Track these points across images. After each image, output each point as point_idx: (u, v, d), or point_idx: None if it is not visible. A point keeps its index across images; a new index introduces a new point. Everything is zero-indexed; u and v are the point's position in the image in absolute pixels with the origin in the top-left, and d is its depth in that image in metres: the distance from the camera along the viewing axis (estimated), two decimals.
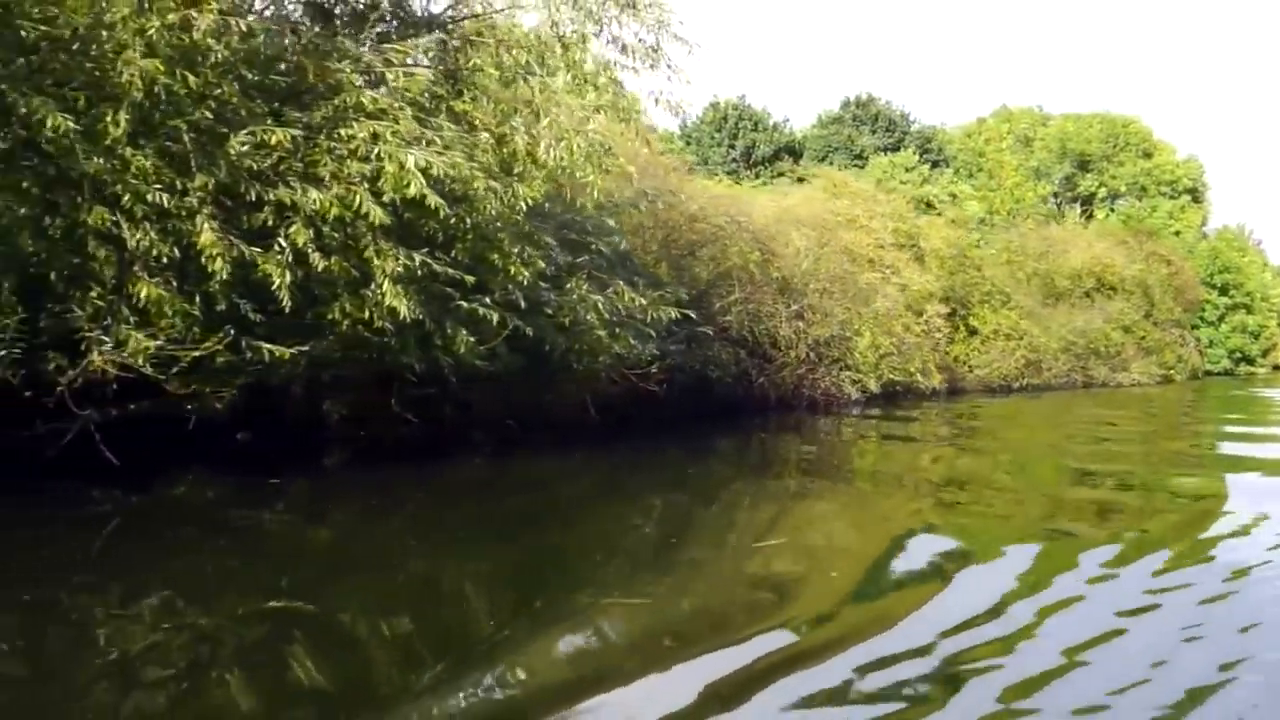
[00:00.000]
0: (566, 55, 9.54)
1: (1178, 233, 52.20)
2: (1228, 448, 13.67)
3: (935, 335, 24.24)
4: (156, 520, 7.30)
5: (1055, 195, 57.14)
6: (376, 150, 8.15)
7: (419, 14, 9.70)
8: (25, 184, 7.26)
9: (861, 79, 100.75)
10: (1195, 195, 56.53)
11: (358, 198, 7.95)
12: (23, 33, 7.16)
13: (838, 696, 3.45)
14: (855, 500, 8.97)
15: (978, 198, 51.35)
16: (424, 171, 8.11)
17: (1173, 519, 7.65)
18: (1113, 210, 57.01)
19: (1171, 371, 36.38)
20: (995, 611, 4.48)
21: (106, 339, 7.21)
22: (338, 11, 9.19)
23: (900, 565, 5.82)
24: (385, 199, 8.06)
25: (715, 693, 3.48)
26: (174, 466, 8.55)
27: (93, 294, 7.58)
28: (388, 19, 9.58)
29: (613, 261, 12.33)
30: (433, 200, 8.17)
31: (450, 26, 9.66)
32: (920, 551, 6.19)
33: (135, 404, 7.88)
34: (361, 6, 9.18)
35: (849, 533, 7.42)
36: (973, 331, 27.88)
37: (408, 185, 8.09)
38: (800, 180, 29.48)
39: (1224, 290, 48.89)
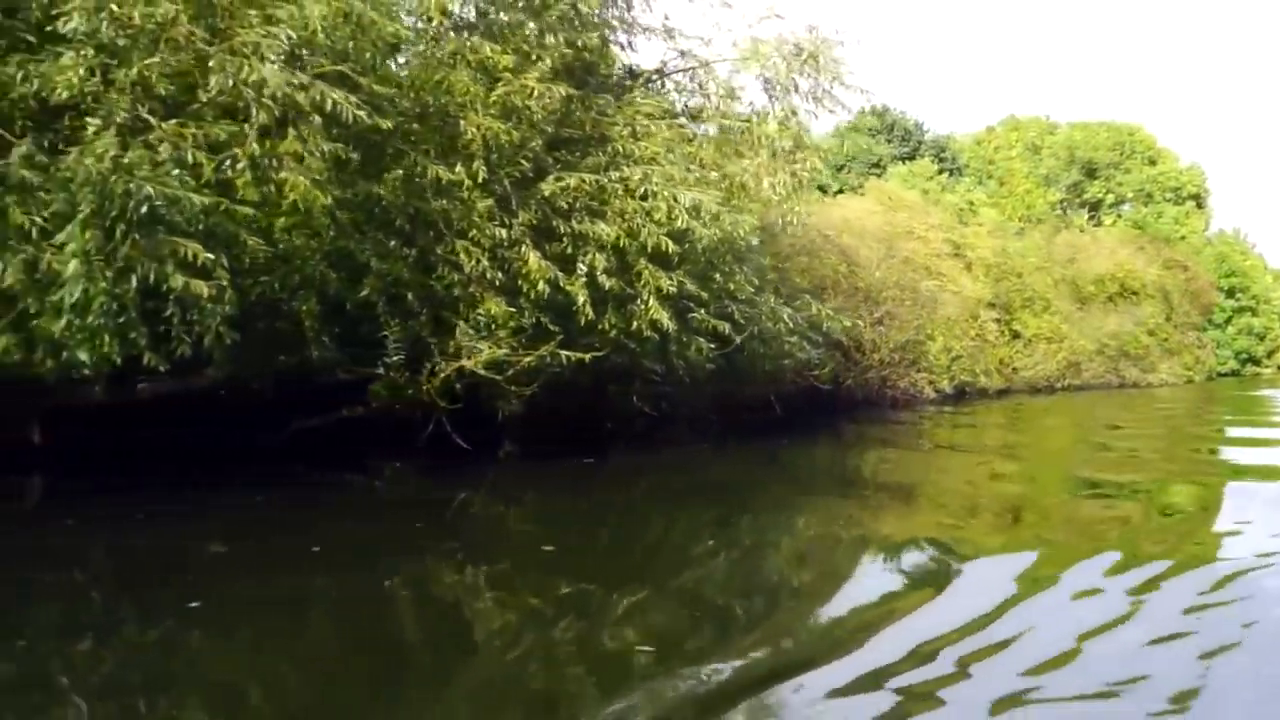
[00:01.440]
0: (780, 104, 11.56)
1: (1183, 238, 54.78)
2: None
3: (989, 339, 26.44)
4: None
5: (1063, 202, 59.68)
6: (644, 190, 10.13)
7: (649, 67, 11.69)
8: (398, 222, 9.19)
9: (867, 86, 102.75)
10: (1199, 201, 59.24)
11: (645, 230, 9.93)
12: (405, 103, 9.09)
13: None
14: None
15: (991, 204, 53.76)
16: (686, 207, 10.11)
17: None
18: (1119, 216, 59.61)
19: (1191, 372, 38.84)
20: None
21: (481, 347, 9.11)
22: (602, 73, 11.13)
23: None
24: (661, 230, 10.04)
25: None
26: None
27: (443, 311, 9.52)
28: (628, 73, 11.58)
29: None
30: (699, 231, 10.16)
31: (676, 77, 11.68)
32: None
33: (459, 402, 9.79)
34: (616, 74, 11.14)
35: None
36: (1015, 335, 30.07)
37: (676, 219, 10.08)
38: (839, 191, 31.66)
39: (1230, 293, 51.52)
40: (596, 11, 10.77)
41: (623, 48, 11.46)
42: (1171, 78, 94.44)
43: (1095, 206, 60.30)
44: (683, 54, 11.84)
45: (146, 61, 7.34)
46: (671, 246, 9.81)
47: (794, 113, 12.10)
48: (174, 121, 7.52)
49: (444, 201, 9.38)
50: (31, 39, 7.97)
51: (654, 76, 11.86)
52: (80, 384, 9.05)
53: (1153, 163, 59.96)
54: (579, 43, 10.34)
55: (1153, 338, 36.43)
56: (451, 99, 9.37)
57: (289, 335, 9.30)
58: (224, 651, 4.62)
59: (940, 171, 52.54)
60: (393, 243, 9.20)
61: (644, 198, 10.10)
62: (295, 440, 10.81)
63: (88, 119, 7.21)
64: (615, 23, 11.44)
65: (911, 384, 22.27)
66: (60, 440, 10.32)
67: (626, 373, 11.34)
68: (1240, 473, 10.87)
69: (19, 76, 7.24)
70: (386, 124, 8.12)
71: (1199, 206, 59.53)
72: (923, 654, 3.97)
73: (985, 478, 10.70)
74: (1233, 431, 16.47)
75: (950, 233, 28.82)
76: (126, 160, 7.02)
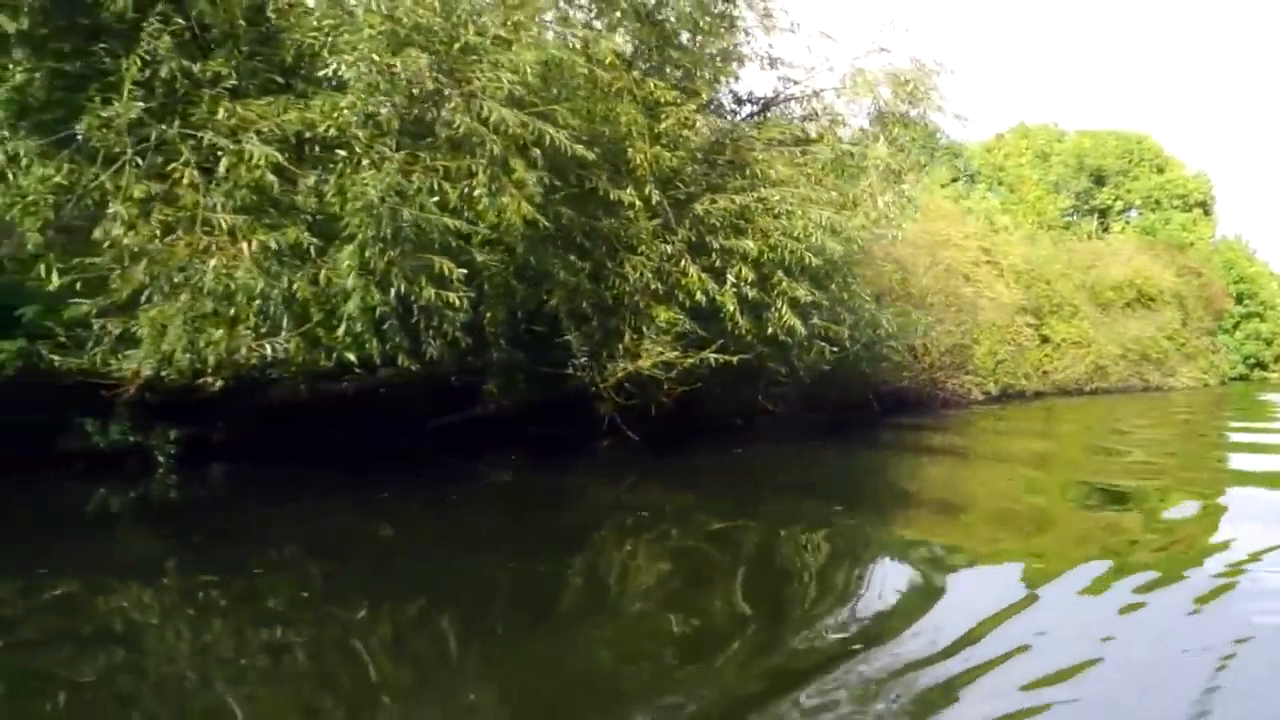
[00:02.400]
0: (886, 129, 12.90)
1: (1191, 244, 56.48)
2: None
3: (1024, 344, 27.89)
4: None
5: (1073, 208, 61.36)
6: (782, 209, 11.45)
7: (770, 95, 13.02)
8: (577, 238, 10.47)
9: None
10: (1205, 208, 61.04)
11: (785, 244, 11.24)
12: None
13: None
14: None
15: (1003, 211, 55.35)
16: (820, 225, 11.43)
17: None
18: (1127, 223, 61.35)
19: (1206, 376, 40.45)
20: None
21: (653, 349, 10.40)
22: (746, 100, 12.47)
23: None
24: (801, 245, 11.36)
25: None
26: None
27: (611, 318, 10.80)
28: (748, 101, 12.91)
29: None
30: (829, 245, 11.49)
31: (792, 103, 13.01)
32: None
33: (634, 400, 11.09)
34: (751, 107, 12.49)
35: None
36: (1044, 339, 31.52)
37: (811, 234, 11.40)
38: None
39: (1239, 299, 53.24)
40: (728, 46, 12.09)
41: (737, 78, 12.78)
42: (1170, 84, 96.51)
43: (1104, 213, 62.04)
44: (795, 83, 13.17)
45: (397, 101, 8.60)
46: (812, 260, 11.10)
47: (900, 136, 13.44)
48: (424, 154, 8.79)
49: (612, 220, 10.66)
50: (279, 80, 9.26)
51: (772, 103, 13.18)
52: (271, 384, 10.31)
53: (1160, 170, 61.77)
54: (720, 77, 11.66)
55: (1171, 342, 37.99)
56: (618, 128, 10.65)
57: (477, 339, 10.57)
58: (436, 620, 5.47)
59: (954, 179, 54.11)
60: (571, 257, 10.46)
61: (778, 215, 11.40)
62: (434, 435, 12.29)
63: (361, 152, 8.45)
64: (734, 55, 12.74)
65: (960, 386, 23.66)
66: (235, 434, 11.62)
67: (753, 373, 12.64)
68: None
69: (285, 113, 8.48)
70: (591, 155, 9.39)
71: (1206, 213, 61.35)
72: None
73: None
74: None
75: (983, 240, 30.27)
76: (394, 189, 8.27)
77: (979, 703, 3.63)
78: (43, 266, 8.09)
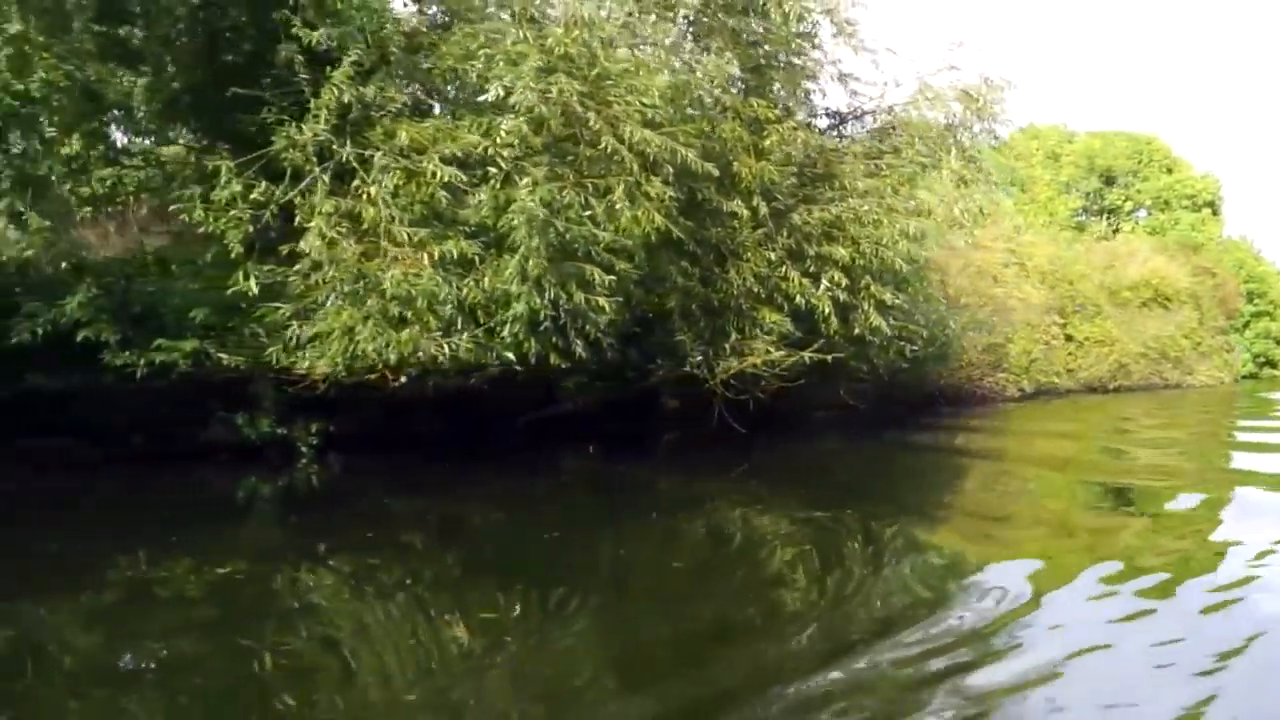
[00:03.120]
0: (957, 142, 13.90)
1: (1201, 245, 57.60)
2: None
3: (1052, 343, 28.96)
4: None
5: (1083, 209, 62.51)
6: (871, 218, 12.46)
7: (845, 109, 14.04)
8: (690, 247, 11.46)
9: None
10: (1214, 208, 62.22)
11: (876, 252, 12.25)
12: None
13: None
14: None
15: (1016, 212, 56.42)
16: (908, 233, 12.45)
17: None
18: (1137, 223, 62.51)
19: (1221, 374, 41.59)
20: None
21: (760, 347, 11.39)
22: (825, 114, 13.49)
23: None
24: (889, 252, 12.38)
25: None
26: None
27: (717, 320, 11.80)
28: (831, 116, 13.92)
29: None
30: (913, 252, 12.50)
31: (866, 117, 14.03)
32: None
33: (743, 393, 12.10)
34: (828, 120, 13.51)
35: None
36: (1068, 338, 32.58)
37: (898, 242, 12.42)
38: None
39: (1249, 298, 54.41)
40: (814, 64, 13.12)
41: (824, 94, 13.80)
42: (1172, 85, 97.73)
43: (1113, 213, 63.19)
44: (869, 98, 14.18)
45: (552, 123, 9.59)
46: (902, 265, 12.11)
47: (968, 145, 14.45)
48: (568, 171, 9.78)
49: (719, 229, 11.66)
50: (429, 102, 10.26)
51: (848, 118, 14.19)
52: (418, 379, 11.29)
53: (1169, 171, 62.93)
54: (808, 95, 12.67)
55: (1188, 341, 39.09)
56: (725, 144, 11.64)
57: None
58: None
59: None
60: (683, 263, 11.46)
61: (865, 224, 12.39)
62: (525, 429, 13.52)
63: (513, 169, 9.43)
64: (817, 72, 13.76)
65: (995, 383, 24.72)
66: (364, 426, 12.65)
67: (836, 371, 13.64)
68: None
69: (455, 136, 9.47)
70: (715, 171, 10.39)
71: (1214, 213, 62.54)
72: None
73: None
74: None
75: (1009, 242, 31.32)
76: (550, 203, 9.26)
77: None
78: (240, 274, 9.06)
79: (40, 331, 9.73)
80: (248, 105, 9.64)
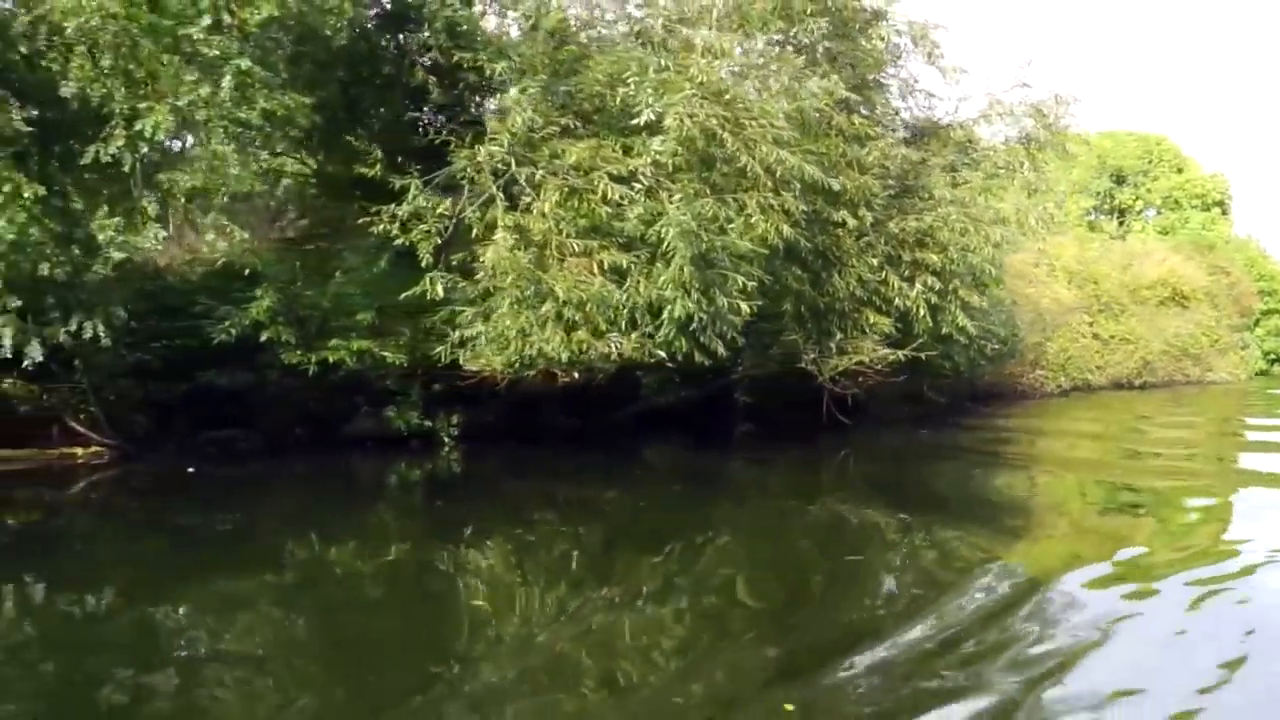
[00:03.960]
0: (1031, 156, 15.07)
1: (1212, 246, 58.92)
2: None
3: (1082, 341, 30.20)
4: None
5: (1095, 209, 63.83)
6: (960, 226, 13.61)
7: (930, 123, 15.17)
8: (803, 256, 12.61)
9: None
10: (1223, 208, 63.58)
11: (964, 258, 13.41)
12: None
13: None
14: None
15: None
16: (995, 241, 13.62)
17: None
18: (1147, 223, 63.83)
19: (1238, 371, 42.95)
20: None
21: (873, 347, 12.54)
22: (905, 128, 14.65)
23: None
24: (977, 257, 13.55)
25: None
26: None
27: (823, 320, 12.96)
28: (909, 129, 15.07)
29: None
30: (998, 257, 13.66)
31: (949, 130, 15.18)
32: None
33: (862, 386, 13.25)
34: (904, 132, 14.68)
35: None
36: (1095, 336, 33.81)
37: (984, 249, 13.58)
38: None
39: (1260, 297, 55.78)
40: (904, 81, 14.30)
41: (910, 110, 14.97)
42: (1172, 85, 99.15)
43: (1123, 213, 64.53)
44: (945, 113, 15.35)
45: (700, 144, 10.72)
46: (990, 269, 13.29)
47: (1041, 159, 15.62)
48: (707, 187, 10.91)
49: (825, 238, 12.82)
50: (577, 125, 11.39)
51: (927, 131, 15.33)
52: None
53: (1179, 170, 64.26)
54: (897, 112, 13.84)
55: (1206, 338, 40.39)
56: (831, 159, 12.78)
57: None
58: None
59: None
60: (796, 269, 12.61)
61: (953, 231, 13.54)
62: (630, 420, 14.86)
63: (665, 184, 10.56)
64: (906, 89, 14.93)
65: (1034, 380, 25.95)
66: (496, 417, 13.84)
67: (920, 368, 14.82)
68: None
69: (618, 155, 10.61)
70: (837, 186, 11.55)
71: (1223, 213, 63.90)
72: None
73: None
74: None
75: (1039, 242, 32.54)
76: (700, 216, 10.40)
77: None
78: (427, 280, 10.20)
79: (234, 333, 10.86)
80: (415, 127, 10.80)
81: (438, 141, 10.83)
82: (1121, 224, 63.88)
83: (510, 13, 11.74)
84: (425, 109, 11.44)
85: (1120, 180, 64.32)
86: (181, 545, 7.99)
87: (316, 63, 10.80)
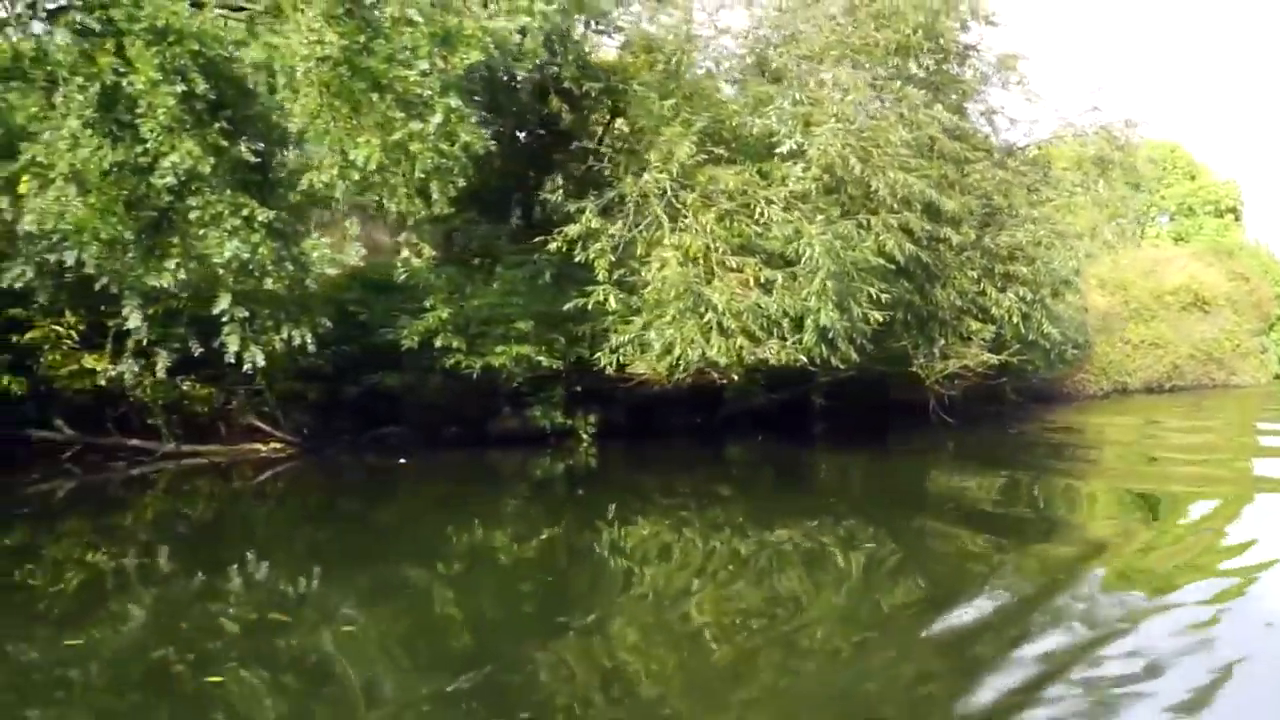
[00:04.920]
0: (1104, 173, 16.43)
1: (1230, 253, 60.35)
2: None
3: (1119, 345, 31.60)
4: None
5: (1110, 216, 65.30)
6: (1046, 241, 14.96)
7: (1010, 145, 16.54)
8: (912, 269, 13.92)
9: None
10: (1236, 214, 65.10)
11: (1052, 269, 14.76)
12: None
13: None
14: None
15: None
16: (1079, 255, 14.97)
17: None
18: (1161, 229, 65.33)
19: (1259, 374, 44.45)
20: None
21: (976, 352, 13.87)
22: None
23: None
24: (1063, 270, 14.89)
25: None
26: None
27: (927, 328, 14.29)
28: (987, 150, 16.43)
29: None
30: (1079, 269, 15.00)
31: (1022, 150, 16.54)
32: None
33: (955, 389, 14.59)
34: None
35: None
36: (1124, 340, 35.19)
37: (1069, 263, 14.93)
38: None
39: (1276, 301, 57.27)
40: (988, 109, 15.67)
41: (998, 132, 16.34)
42: (1174, 88, 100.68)
43: (1139, 220, 66.01)
44: (1023, 134, 16.70)
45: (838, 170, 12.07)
46: (1074, 279, 14.63)
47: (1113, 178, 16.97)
48: (837, 208, 12.24)
49: (928, 252, 14.14)
50: (718, 152, 12.73)
51: (1006, 153, 16.69)
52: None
53: (1192, 177, 65.83)
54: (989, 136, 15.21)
55: (1229, 342, 41.87)
56: (935, 180, 14.10)
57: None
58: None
59: None
60: (904, 281, 13.93)
61: (1039, 244, 14.89)
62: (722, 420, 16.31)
63: (797, 205, 11.89)
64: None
65: (1077, 383, 27.33)
66: (625, 417, 15.20)
67: (1002, 371, 16.15)
68: None
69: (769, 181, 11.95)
70: (954, 205, 12.88)
71: (1236, 219, 65.44)
72: None
73: None
74: None
75: (1112, 255, 33.95)
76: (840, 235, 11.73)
77: None
78: (600, 292, 11.52)
79: (416, 340, 12.17)
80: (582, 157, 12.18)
81: (595, 169, 12.16)
82: (1137, 231, 65.36)
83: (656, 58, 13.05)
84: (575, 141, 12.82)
85: (1135, 187, 65.77)
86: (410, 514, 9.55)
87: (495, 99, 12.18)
